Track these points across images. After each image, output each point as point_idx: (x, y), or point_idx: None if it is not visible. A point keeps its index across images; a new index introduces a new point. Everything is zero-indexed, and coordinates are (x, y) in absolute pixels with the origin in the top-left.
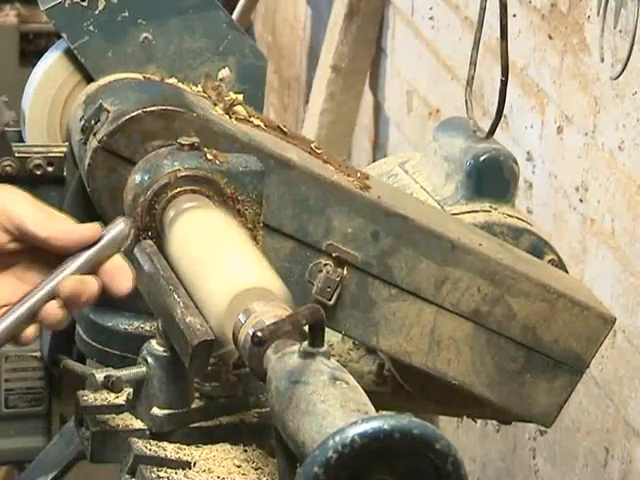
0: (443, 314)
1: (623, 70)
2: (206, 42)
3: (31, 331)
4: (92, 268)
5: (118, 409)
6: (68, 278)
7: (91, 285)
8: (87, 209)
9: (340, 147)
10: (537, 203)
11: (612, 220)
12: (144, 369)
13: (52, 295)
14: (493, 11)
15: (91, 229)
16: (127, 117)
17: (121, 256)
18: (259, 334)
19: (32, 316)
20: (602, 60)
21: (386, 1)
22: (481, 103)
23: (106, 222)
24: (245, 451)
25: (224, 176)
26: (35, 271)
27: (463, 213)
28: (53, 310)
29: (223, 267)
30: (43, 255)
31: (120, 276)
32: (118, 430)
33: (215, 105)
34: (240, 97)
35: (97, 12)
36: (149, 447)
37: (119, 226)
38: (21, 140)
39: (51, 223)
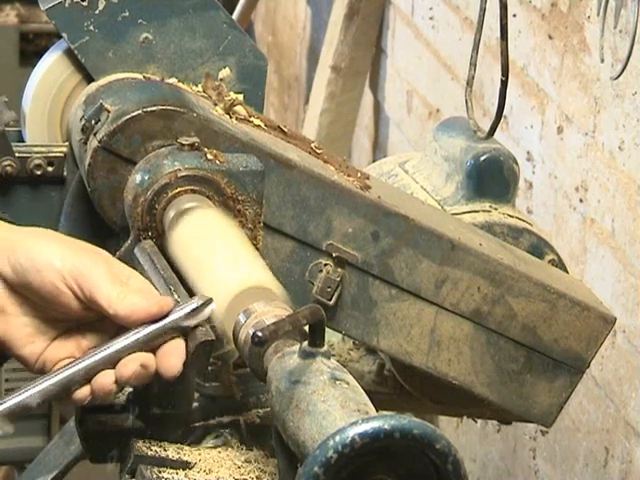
0: (443, 314)
1: (623, 70)
2: (206, 42)
3: (83, 393)
4: (152, 344)
5: (118, 409)
6: (131, 360)
7: (150, 368)
8: (87, 209)
9: (340, 147)
10: (537, 203)
11: (612, 220)
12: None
13: (108, 364)
14: (493, 11)
15: (158, 304)
16: (127, 117)
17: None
18: (259, 334)
19: (87, 379)
20: (602, 60)
21: (386, 1)
22: (481, 103)
23: (106, 221)
24: (245, 451)
25: (224, 176)
26: (101, 331)
27: (463, 213)
28: (107, 382)
29: (223, 267)
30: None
31: (171, 355)
32: (118, 430)
33: (215, 105)
34: (240, 97)
35: (97, 12)
36: (149, 447)
37: (192, 304)
38: (21, 140)
39: (121, 299)
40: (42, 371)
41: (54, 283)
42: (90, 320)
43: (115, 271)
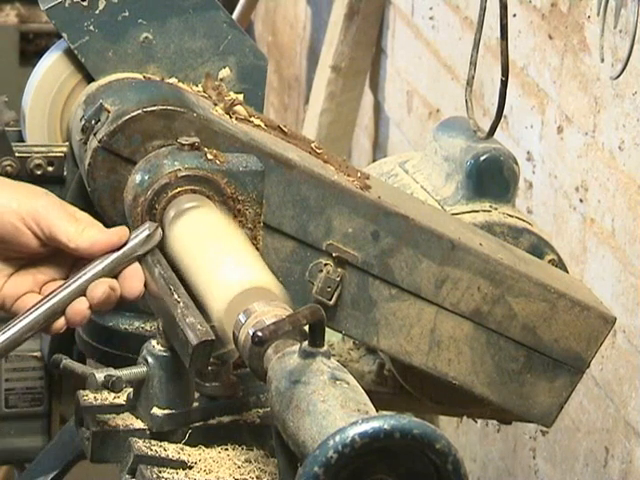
0: (443, 314)
1: (623, 70)
2: (206, 42)
3: (60, 324)
4: (115, 271)
5: (118, 409)
6: (100, 282)
7: (117, 291)
8: (87, 209)
9: (340, 147)
10: (537, 203)
11: (612, 220)
12: (144, 369)
13: (80, 293)
14: (493, 11)
15: (117, 234)
16: (127, 117)
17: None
18: (259, 334)
19: (61, 311)
20: (602, 60)
21: (386, 1)
22: (481, 103)
23: (105, 222)
24: (245, 451)
25: (224, 176)
26: (55, 265)
27: (463, 213)
28: (81, 309)
29: (223, 267)
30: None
31: (132, 279)
32: (118, 430)
33: (215, 105)
34: (240, 97)
35: (97, 12)
36: (149, 447)
37: (145, 231)
38: (21, 140)
39: (80, 234)
40: (2, 308)
41: (14, 224)
42: (44, 256)
43: (68, 209)
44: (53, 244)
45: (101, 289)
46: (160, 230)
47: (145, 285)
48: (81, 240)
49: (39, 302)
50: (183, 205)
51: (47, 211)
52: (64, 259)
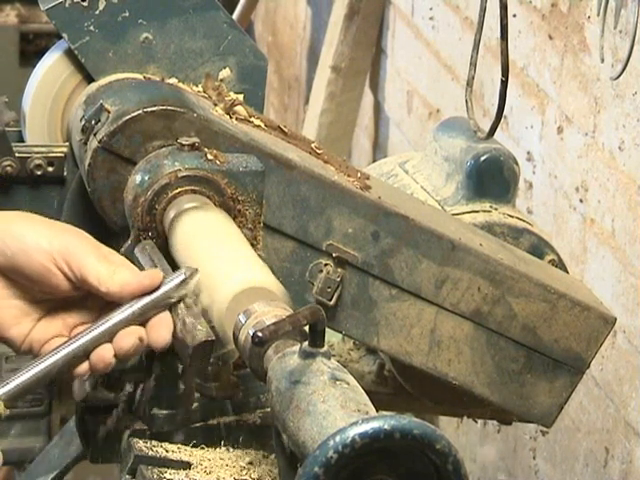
0: (443, 314)
1: (623, 70)
2: (206, 42)
3: (83, 368)
4: (144, 316)
5: (118, 409)
6: (129, 333)
7: (145, 341)
8: (87, 209)
9: (340, 147)
10: (537, 203)
11: (612, 220)
12: (144, 369)
13: (105, 338)
14: (493, 11)
15: (150, 277)
16: (128, 117)
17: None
18: (259, 334)
19: (86, 354)
20: (602, 60)
21: (386, 1)
22: (481, 103)
23: (106, 221)
24: (245, 451)
25: (224, 176)
26: (86, 308)
27: (463, 213)
28: (106, 356)
29: (223, 267)
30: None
31: (160, 327)
32: (118, 430)
33: (215, 105)
34: (240, 97)
35: (97, 12)
36: (149, 447)
37: (179, 277)
38: (21, 140)
39: (110, 276)
40: (29, 352)
41: (44, 265)
42: (74, 299)
43: (101, 250)
44: (84, 286)
45: (130, 341)
46: (198, 276)
47: (173, 334)
48: (112, 283)
49: (61, 345)
50: (183, 205)
51: (78, 250)
52: (96, 301)
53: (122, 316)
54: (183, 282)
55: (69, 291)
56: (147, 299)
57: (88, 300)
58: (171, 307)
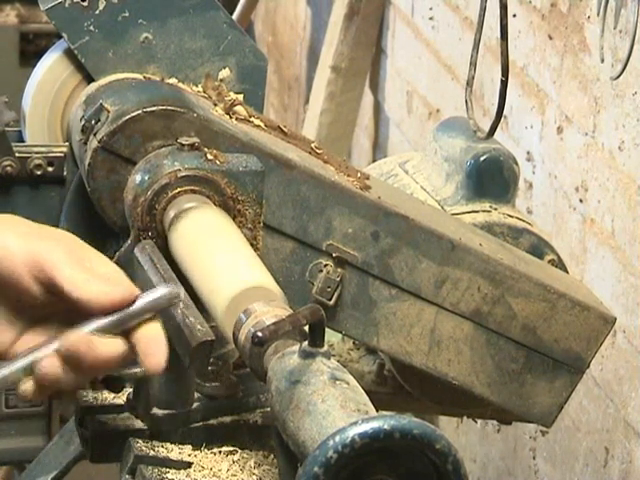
0: (443, 314)
1: (623, 70)
2: (206, 42)
3: (27, 386)
4: (120, 330)
5: (118, 409)
6: (74, 335)
7: (104, 348)
8: (87, 209)
9: (340, 147)
10: (537, 203)
11: (612, 220)
12: (144, 369)
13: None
14: (493, 11)
15: (126, 292)
16: (127, 117)
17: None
18: (259, 334)
19: (32, 370)
20: (602, 60)
21: (386, 1)
22: (481, 103)
23: (106, 221)
24: (245, 451)
25: (224, 176)
26: (69, 323)
27: (463, 213)
28: (51, 364)
29: (223, 267)
30: (78, 314)
31: (153, 352)
32: (118, 430)
33: (215, 105)
34: (240, 97)
35: (97, 12)
36: (149, 447)
37: (160, 292)
38: (21, 140)
39: (84, 284)
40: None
41: (11, 267)
42: (59, 311)
43: (78, 255)
44: (56, 292)
45: (70, 340)
46: (180, 295)
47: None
48: (84, 291)
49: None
50: (183, 205)
51: (50, 255)
52: (79, 316)
53: (89, 327)
54: (162, 298)
55: (43, 297)
56: (118, 314)
57: (73, 314)
58: (171, 308)
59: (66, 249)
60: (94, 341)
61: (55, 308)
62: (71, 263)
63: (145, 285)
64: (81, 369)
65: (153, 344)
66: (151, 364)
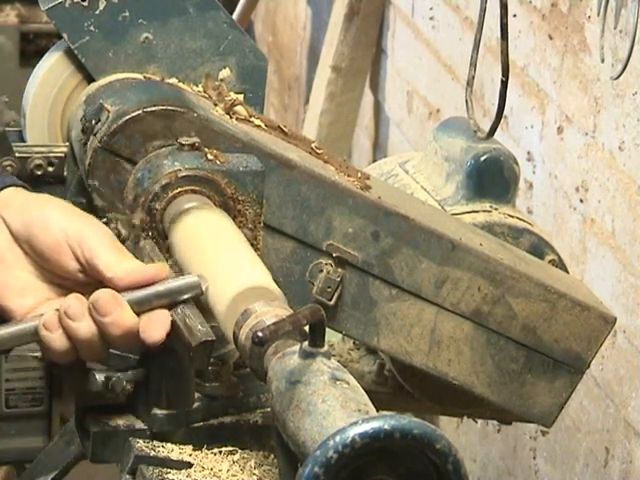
0: (443, 314)
1: (623, 70)
2: (207, 42)
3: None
4: (141, 307)
5: (118, 409)
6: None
7: (128, 313)
8: (87, 209)
9: (340, 147)
10: (537, 203)
11: (612, 220)
12: (144, 369)
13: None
14: (493, 11)
15: (155, 269)
16: (128, 117)
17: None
18: (260, 334)
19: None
20: (602, 60)
21: (386, 1)
22: (481, 103)
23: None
24: (246, 452)
25: (225, 176)
26: None
27: (463, 213)
28: (76, 309)
29: (223, 267)
30: None
31: (154, 323)
32: (118, 430)
33: (216, 105)
34: (240, 97)
35: (98, 12)
36: (149, 447)
37: (188, 279)
38: (21, 140)
39: (118, 264)
40: None
41: (57, 239)
42: (85, 289)
43: (115, 243)
44: (92, 271)
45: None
46: (206, 284)
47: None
48: (117, 269)
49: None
50: (183, 205)
51: (93, 236)
52: None
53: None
54: (189, 285)
55: (76, 273)
56: (147, 290)
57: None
58: (171, 307)
59: (107, 235)
60: (121, 301)
61: (84, 289)
62: (109, 246)
63: None
64: (104, 327)
65: (156, 320)
66: (149, 337)
